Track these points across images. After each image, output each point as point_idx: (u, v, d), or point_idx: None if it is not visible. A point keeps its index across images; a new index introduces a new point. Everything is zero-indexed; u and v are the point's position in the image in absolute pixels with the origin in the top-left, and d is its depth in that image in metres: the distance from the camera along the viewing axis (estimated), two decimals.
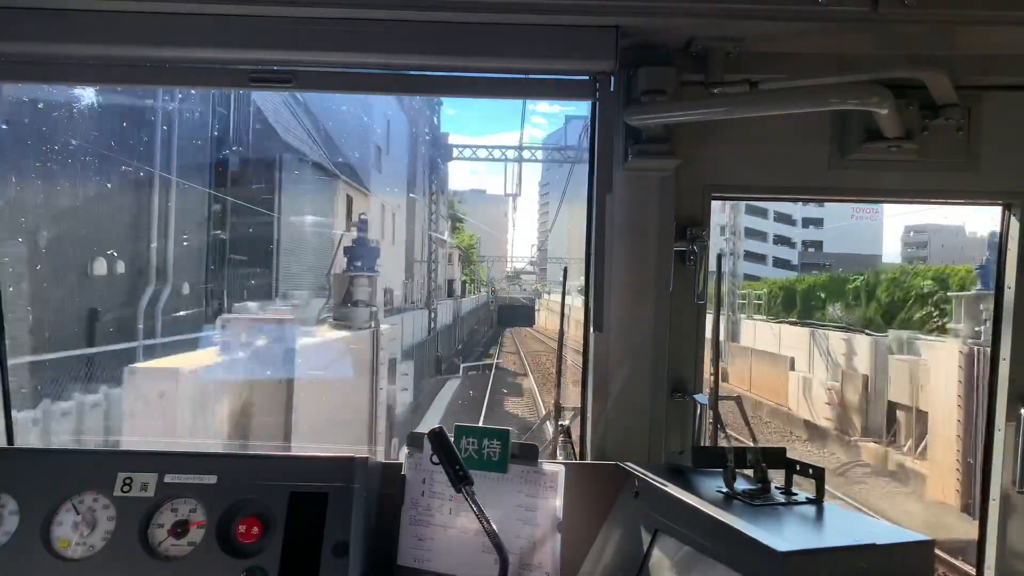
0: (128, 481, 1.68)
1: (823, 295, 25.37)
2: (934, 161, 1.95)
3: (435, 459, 1.65)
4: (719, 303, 1.86)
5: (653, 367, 2.01)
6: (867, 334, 17.52)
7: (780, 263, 54.55)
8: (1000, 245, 2.07)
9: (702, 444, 2.01)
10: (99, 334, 9.83)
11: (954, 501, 11.12)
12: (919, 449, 13.25)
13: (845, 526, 1.41)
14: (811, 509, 1.47)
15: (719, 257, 1.94)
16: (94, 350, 9.38)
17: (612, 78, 1.88)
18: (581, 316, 2.10)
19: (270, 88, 1.89)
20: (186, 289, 12.32)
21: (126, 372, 6.73)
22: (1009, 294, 2.02)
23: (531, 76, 1.91)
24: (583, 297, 2.11)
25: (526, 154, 31.82)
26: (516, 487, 1.75)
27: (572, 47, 1.78)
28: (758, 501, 1.50)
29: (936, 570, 1.54)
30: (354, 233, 12.04)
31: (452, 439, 1.69)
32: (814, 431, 17.25)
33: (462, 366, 30.95)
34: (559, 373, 2.80)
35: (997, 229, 2.08)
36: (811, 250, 59.27)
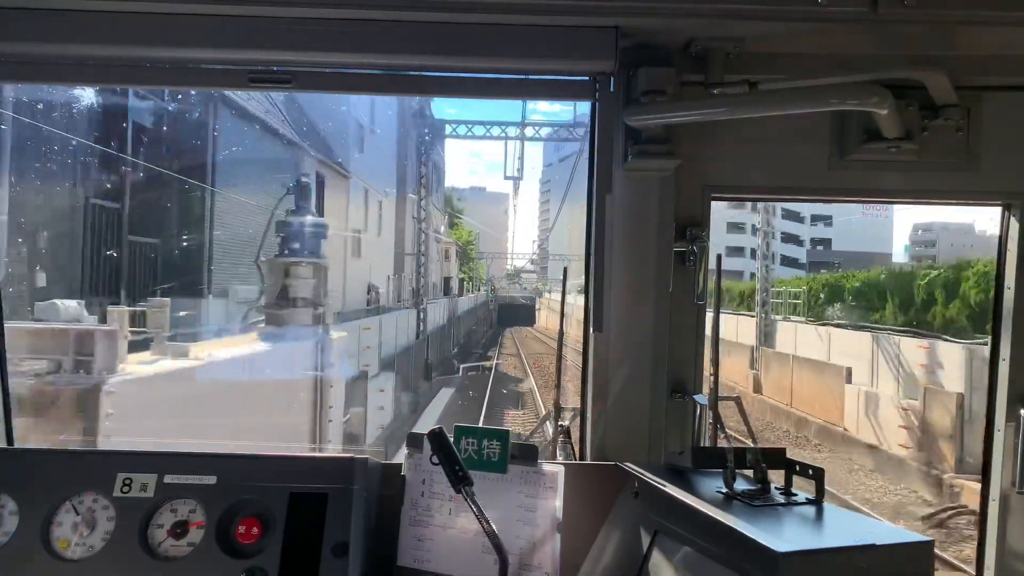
0: (128, 481, 1.68)
1: (884, 293, 21.58)
2: (934, 161, 1.95)
3: (435, 459, 1.65)
4: (719, 303, 1.86)
5: (653, 367, 2.01)
6: (953, 341, 14.39)
7: (788, 261, 53.98)
8: (1000, 245, 2.07)
9: (702, 444, 2.01)
10: None
11: None
12: None
13: (845, 526, 1.41)
14: (811, 510, 1.47)
15: (719, 257, 1.94)
16: None
17: (612, 78, 1.88)
18: (582, 316, 2.10)
19: (270, 88, 1.89)
20: (42, 281, 8.89)
21: None
22: (1009, 294, 2.02)
23: (531, 76, 1.91)
24: (583, 296, 2.11)
25: (528, 131, 29.43)
26: (516, 487, 1.75)
27: (572, 47, 1.78)
28: (758, 502, 1.50)
29: (936, 570, 1.53)
30: (291, 204, 8.93)
31: (452, 440, 1.69)
32: (884, 460, 14.18)
33: (461, 367, 29.44)
34: (559, 373, 2.80)
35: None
36: (820, 248, 58.31)
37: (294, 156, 17.36)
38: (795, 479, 1.57)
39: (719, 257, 1.95)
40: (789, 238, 57.40)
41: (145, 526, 1.64)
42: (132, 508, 1.65)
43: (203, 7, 1.73)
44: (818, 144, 1.99)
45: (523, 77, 1.91)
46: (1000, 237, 2.07)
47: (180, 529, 1.63)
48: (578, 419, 2.19)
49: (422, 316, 24.58)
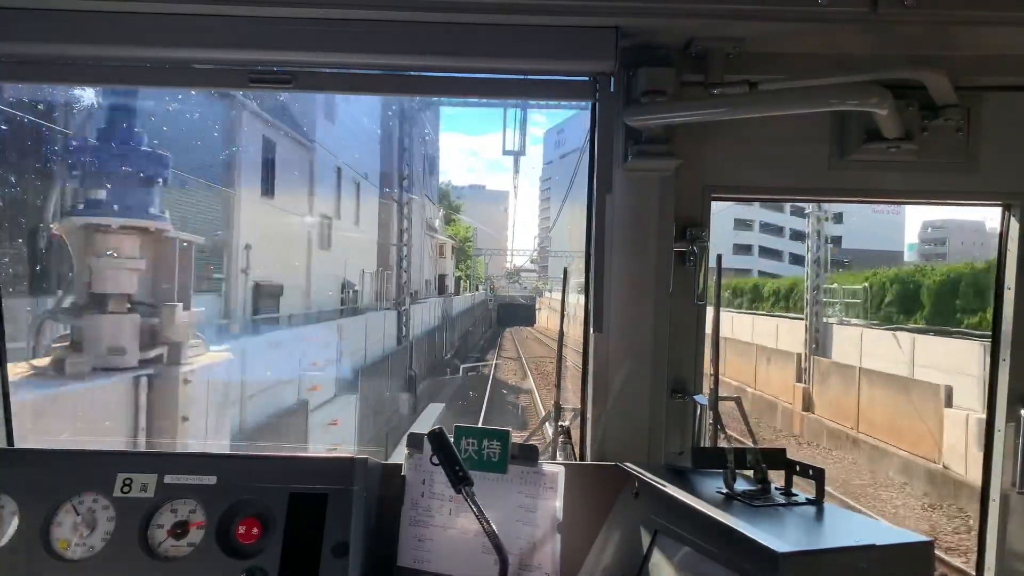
0: (128, 482, 1.68)
1: (983, 291, 16.86)
2: (934, 162, 1.95)
3: (435, 460, 1.65)
4: (719, 303, 1.86)
5: (653, 368, 2.01)
6: None
7: (796, 259, 53.23)
8: (1000, 245, 2.07)
9: (702, 444, 2.01)
10: None
11: None
12: None
13: (845, 527, 1.41)
14: (811, 510, 1.47)
15: (719, 257, 1.94)
16: None
17: (612, 79, 1.88)
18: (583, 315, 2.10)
19: (270, 89, 1.89)
20: None
21: None
22: (1009, 294, 2.02)
23: (531, 77, 1.91)
24: (583, 296, 2.11)
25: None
26: (516, 488, 1.75)
27: (572, 48, 1.78)
28: (758, 502, 1.50)
29: (936, 570, 1.53)
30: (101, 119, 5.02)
31: (452, 440, 1.69)
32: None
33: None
34: (559, 373, 2.80)
35: None
36: (830, 245, 58.16)
37: (230, 113, 13.84)
38: (795, 479, 1.57)
39: (719, 257, 1.95)
40: (797, 235, 56.71)
41: (145, 526, 1.64)
42: (132, 508, 1.65)
43: (203, 7, 1.73)
44: (818, 144, 1.99)
45: (523, 77, 1.91)
46: (1000, 237, 2.07)
47: (180, 529, 1.63)
48: (578, 419, 2.19)
49: (404, 319, 21.31)
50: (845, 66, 1.83)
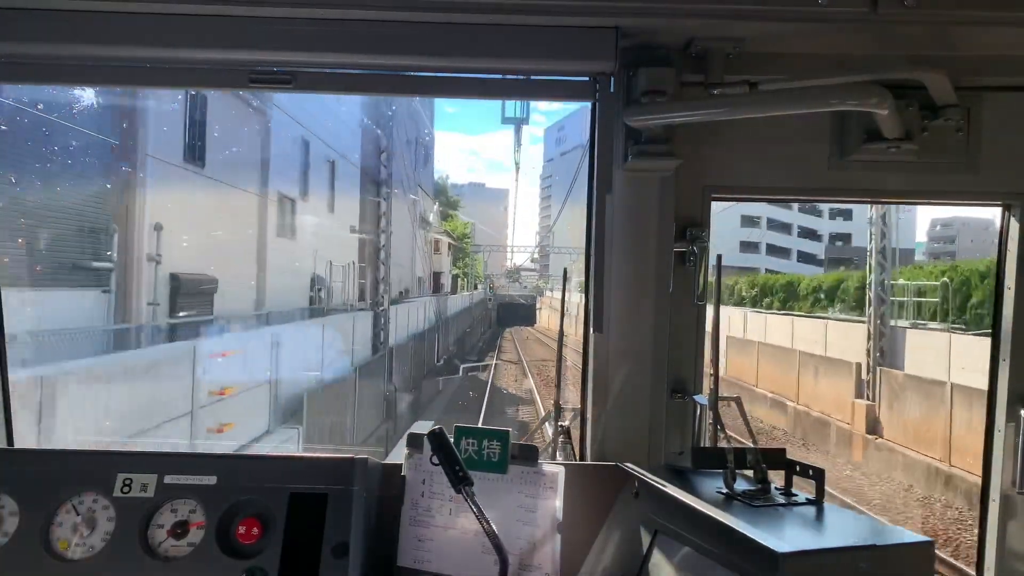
0: (128, 482, 1.68)
1: None
2: (934, 162, 1.95)
3: (435, 460, 1.65)
4: (719, 303, 1.86)
5: (653, 368, 2.01)
6: None
7: (804, 257, 51.74)
8: (1000, 245, 2.07)
9: (702, 444, 2.01)
10: None
11: None
12: None
13: (845, 527, 1.41)
14: (811, 510, 1.47)
15: (719, 257, 1.94)
16: None
17: (612, 79, 1.88)
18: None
19: (270, 89, 1.89)
20: None
21: None
22: (1009, 294, 2.02)
23: (531, 77, 1.91)
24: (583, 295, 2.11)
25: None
26: (516, 488, 1.75)
27: (572, 48, 1.78)
28: (758, 502, 1.50)
29: (936, 571, 1.54)
30: None
31: (452, 440, 1.69)
32: None
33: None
34: (559, 373, 2.80)
35: None
36: (839, 243, 55.98)
37: None
38: (795, 479, 1.57)
39: (719, 257, 1.95)
40: (806, 233, 55.04)
41: (145, 526, 1.64)
42: (132, 508, 1.65)
43: (203, 7, 1.73)
44: (818, 144, 1.99)
45: (523, 77, 1.91)
46: (1000, 237, 2.07)
47: (180, 529, 1.63)
48: (578, 419, 2.19)
49: (382, 322, 17.74)
50: (845, 66, 1.83)
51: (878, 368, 15.68)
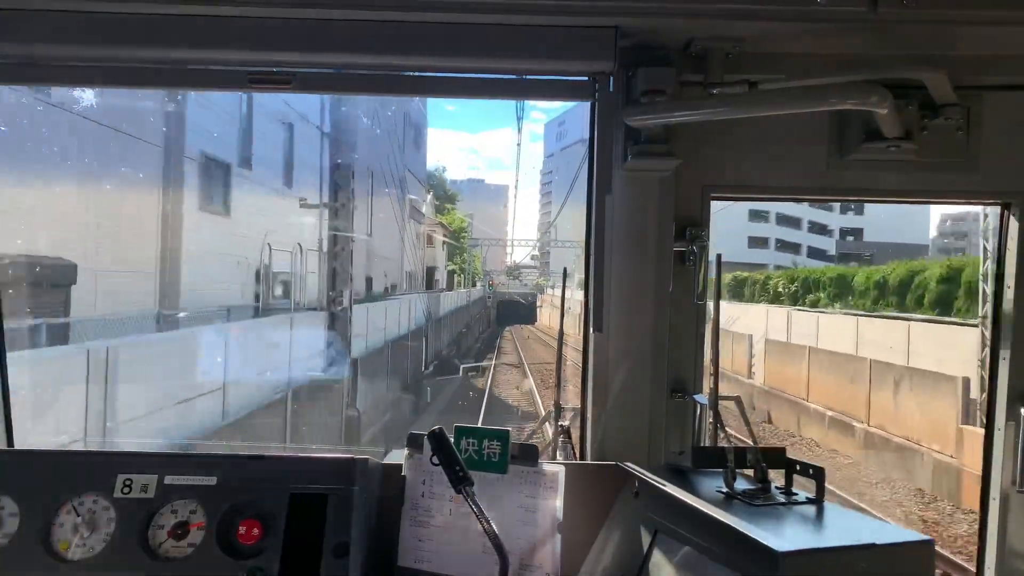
0: (128, 483, 1.68)
1: None
2: (933, 161, 1.95)
3: (435, 460, 1.65)
4: (719, 303, 1.86)
5: (653, 367, 2.01)
6: None
7: (814, 253, 50.15)
8: (1000, 245, 2.07)
9: (702, 444, 2.01)
10: None
11: None
12: None
13: (845, 526, 1.41)
14: (811, 509, 1.47)
15: (719, 257, 1.94)
16: None
17: (611, 78, 1.88)
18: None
19: (270, 90, 1.88)
20: None
21: None
22: (1009, 294, 2.02)
23: (530, 77, 1.91)
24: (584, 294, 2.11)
25: None
26: (516, 488, 1.76)
27: (571, 47, 1.78)
28: (758, 501, 1.50)
29: (936, 570, 1.54)
30: None
31: (452, 440, 1.69)
32: None
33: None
34: (559, 373, 2.80)
35: None
36: (850, 238, 54.64)
37: None
38: (795, 479, 1.57)
39: (719, 257, 1.96)
40: (816, 228, 53.47)
41: (146, 527, 1.64)
42: (133, 509, 1.65)
43: (202, 8, 1.73)
44: (818, 144, 1.99)
45: (523, 77, 1.91)
46: (1000, 237, 2.07)
47: (181, 530, 1.63)
48: (578, 419, 2.19)
49: (342, 326, 13.43)
50: (845, 66, 1.83)
51: (978, 398, 12.14)
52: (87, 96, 10.06)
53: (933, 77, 1.80)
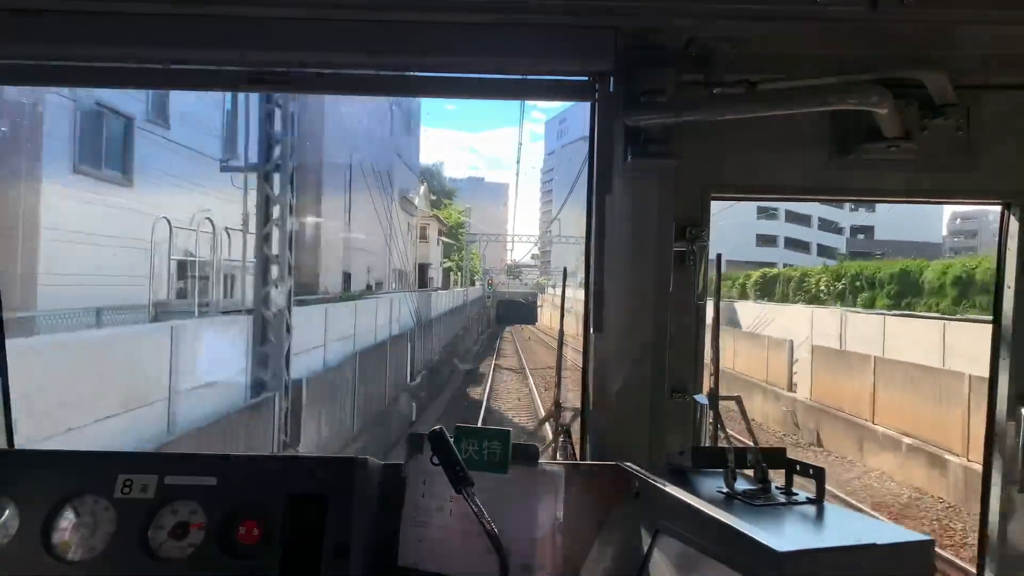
0: (128, 483, 1.68)
1: None
2: (933, 161, 1.95)
3: (435, 460, 1.65)
4: (719, 303, 1.86)
5: (653, 367, 2.01)
6: None
7: (824, 251, 49.32)
8: (1000, 245, 2.07)
9: (702, 444, 2.01)
10: None
11: None
12: None
13: (845, 526, 1.41)
14: (811, 509, 1.47)
15: (719, 257, 1.94)
16: None
17: (611, 79, 1.88)
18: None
19: (270, 89, 1.88)
20: None
21: None
22: (1009, 294, 2.02)
23: (530, 77, 1.91)
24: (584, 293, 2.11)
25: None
26: (516, 488, 1.75)
27: (571, 48, 1.78)
28: (758, 501, 1.50)
29: (936, 570, 1.54)
30: None
31: (452, 440, 1.69)
32: None
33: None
34: (559, 373, 2.80)
35: None
36: (861, 236, 53.99)
37: None
38: (795, 478, 1.57)
39: (719, 257, 1.96)
40: (826, 225, 52.75)
41: (146, 528, 1.63)
42: (133, 510, 1.65)
43: (202, 8, 1.73)
44: (818, 144, 1.99)
45: (523, 77, 1.91)
46: (1000, 236, 2.07)
47: (181, 530, 1.63)
48: (578, 419, 2.19)
49: (277, 336, 9.96)
50: (845, 66, 1.83)
51: None
52: None
53: (933, 77, 1.80)
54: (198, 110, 12.64)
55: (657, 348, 2.01)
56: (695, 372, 2.05)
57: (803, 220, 52.00)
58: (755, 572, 1.24)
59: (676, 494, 1.53)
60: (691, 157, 1.92)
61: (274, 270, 10.27)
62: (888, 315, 19.98)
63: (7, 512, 1.65)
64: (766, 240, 49.41)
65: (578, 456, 2.19)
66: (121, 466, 1.70)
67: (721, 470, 1.61)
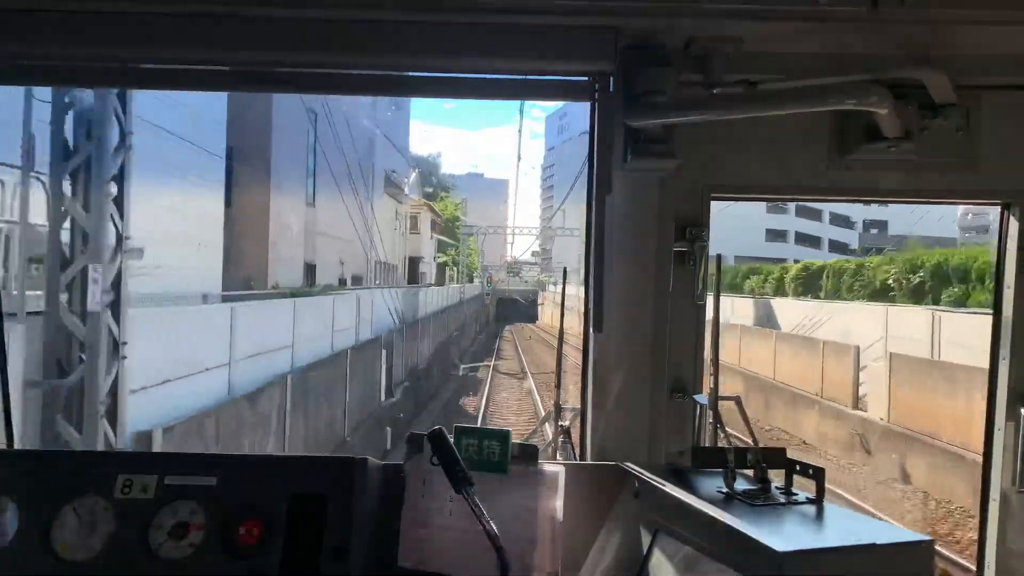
0: (128, 483, 1.68)
1: None
2: (933, 161, 1.95)
3: (435, 460, 1.65)
4: (719, 303, 1.86)
5: (653, 367, 2.01)
6: None
7: (836, 247, 47.99)
8: (999, 245, 2.07)
9: (702, 444, 2.01)
10: None
11: None
12: None
13: (845, 526, 1.41)
14: (811, 509, 1.47)
15: (718, 257, 1.94)
16: None
17: (611, 79, 1.88)
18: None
19: (270, 90, 1.88)
20: None
21: None
22: (1009, 293, 2.02)
23: (530, 77, 1.91)
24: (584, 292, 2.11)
25: None
26: (516, 488, 1.75)
27: (571, 48, 1.78)
28: (758, 501, 1.50)
29: (936, 569, 1.54)
30: None
31: (452, 440, 1.69)
32: None
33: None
34: (558, 373, 2.80)
35: None
36: (874, 231, 52.36)
37: None
38: (795, 479, 1.57)
39: (718, 257, 1.96)
40: (838, 219, 51.61)
41: (146, 528, 1.64)
42: (133, 510, 1.65)
43: (202, 8, 1.72)
44: (818, 144, 1.99)
45: (523, 77, 1.91)
46: (1000, 237, 2.07)
47: (181, 531, 1.63)
48: (578, 419, 2.19)
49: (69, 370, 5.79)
50: (844, 66, 1.83)
51: None
52: None
53: (933, 77, 1.80)
54: None
55: (657, 348, 2.01)
56: (695, 372, 2.05)
57: (814, 215, 50.59)
58: (755, 572, 1.24)
59: (676, 494, 1.53)
60: (691, 157, 1.92)
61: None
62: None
63: (7, 512, 1.65)
64: (776, 235, 48.27)
65: (578, 456, 2.19)
66: (121, 466, 1.70)
67: (721, 470, 1.61)
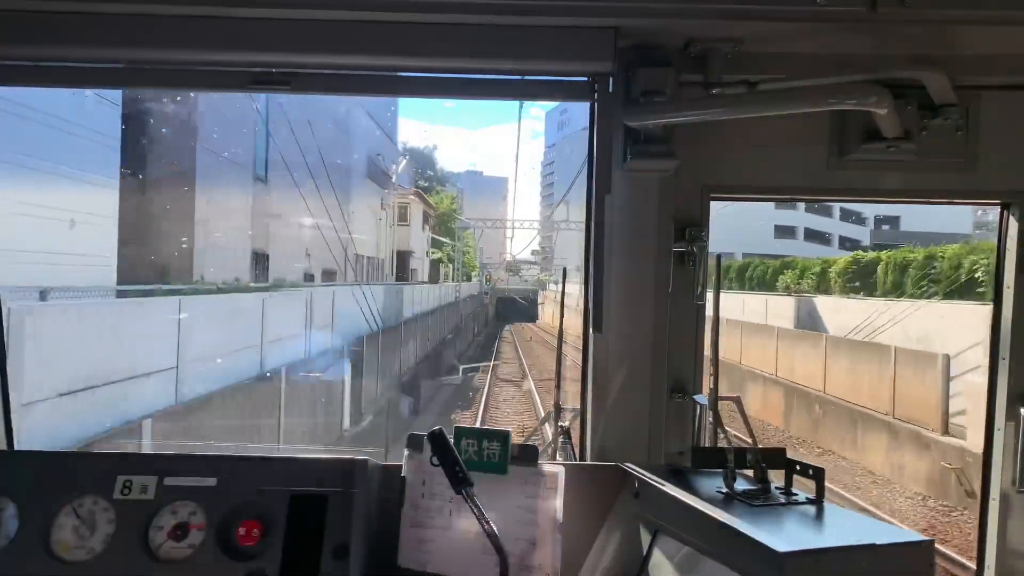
0: (128, 484, 1.68)
1: None
2: (933, 161, 1.95)
3: (435, 461, 1.65)
4: (719, 303, 1.86)
5: (653, 367, 2.01)
6: None
7: (847, 244, 46.35)
8: (999, 245, 2.07)
9: (702, 444, 2.01)
10: None
11: None
12: None
13: (845, 526, 1.41)
14: (811, 509, 1.47)
15: (718, 257, 1.94)
16: None
17: (611, 79, 1.88)
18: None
19: (270, 90, 1.88)
20: None
21: None
22: (1008, 294, 2.02)
23: (529, 77, 1.90)
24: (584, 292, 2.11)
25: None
26: (516, 488, 1.75)
27: (570, 48, 1.77)
28: (758, 501, 1.50)
29: (936, 569, 1.54)
30: None
31: (452, 441, 1.69)
32: None
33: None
34: (558, 373, 2.80)
35: None
36: (886, 227, 51.05)
37: None
38: (795, 479, 1.57)
39: (718, 257, 1.96)
40: (848, 215, 50.53)
41: (145, 528, 1.64)
42: (132, 510, 1.65)
43: (203, 8, 1.72)
44: (817, 144, 1.99)
45: (522, 78, 1.91)
46: (999, 237, 2.07)
47: (181, 531, 1.63)
48: (578, 419, 2.19)
49: None
50: (844, 66, 1.83)
51: None
52: None
53: (933, 77, 1.80)
54: None
55: (657, 348, 2.01)
56: (695, 372, 2.05)
57: (824, 210, 48.97)
58: (755, 572, 1.24)
59: (676, 494, 1.53)
60: (691, 157, 1.92)
61: None
62: None
63: (7, 512, 1.65)
64: (784, 231, 46.91)
65: (578, 456, 2.19)
66: (121, 467, 1.70)
67: (721, 470, 1.61)
